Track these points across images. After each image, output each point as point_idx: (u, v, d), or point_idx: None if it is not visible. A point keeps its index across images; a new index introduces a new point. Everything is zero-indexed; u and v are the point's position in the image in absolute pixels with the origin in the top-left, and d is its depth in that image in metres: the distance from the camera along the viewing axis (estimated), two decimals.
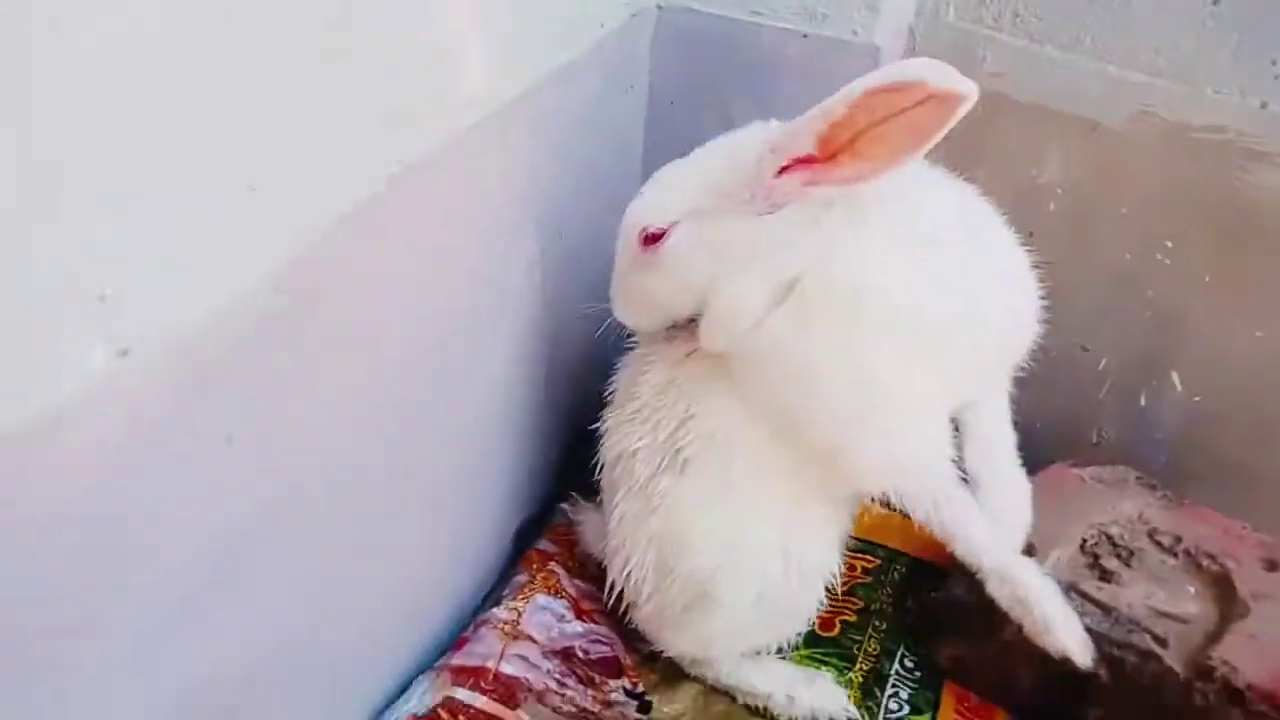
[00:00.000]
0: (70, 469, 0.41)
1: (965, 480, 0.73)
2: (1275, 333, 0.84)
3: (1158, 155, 0.85)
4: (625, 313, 0.75)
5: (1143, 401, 0.94)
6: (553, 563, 0.88)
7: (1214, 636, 0.73)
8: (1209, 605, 0.77)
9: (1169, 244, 0.87)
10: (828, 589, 0.78)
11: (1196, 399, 0.91)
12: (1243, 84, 0.79)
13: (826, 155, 0.62)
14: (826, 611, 0.89)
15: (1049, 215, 0.93)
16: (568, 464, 0.96)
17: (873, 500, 0.75)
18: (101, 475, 0.43)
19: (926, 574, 0.95)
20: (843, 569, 0.78)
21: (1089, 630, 0.73)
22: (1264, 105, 0.79)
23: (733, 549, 0.73)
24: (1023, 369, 0.75)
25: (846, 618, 0.90)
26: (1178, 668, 0.72)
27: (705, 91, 0.92)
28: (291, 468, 0.55)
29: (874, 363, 0.65)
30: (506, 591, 0.84)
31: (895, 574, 0.95)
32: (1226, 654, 0.71)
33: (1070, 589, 0.78)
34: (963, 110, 0.57)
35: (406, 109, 0.57)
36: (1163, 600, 0.77)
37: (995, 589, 0.72)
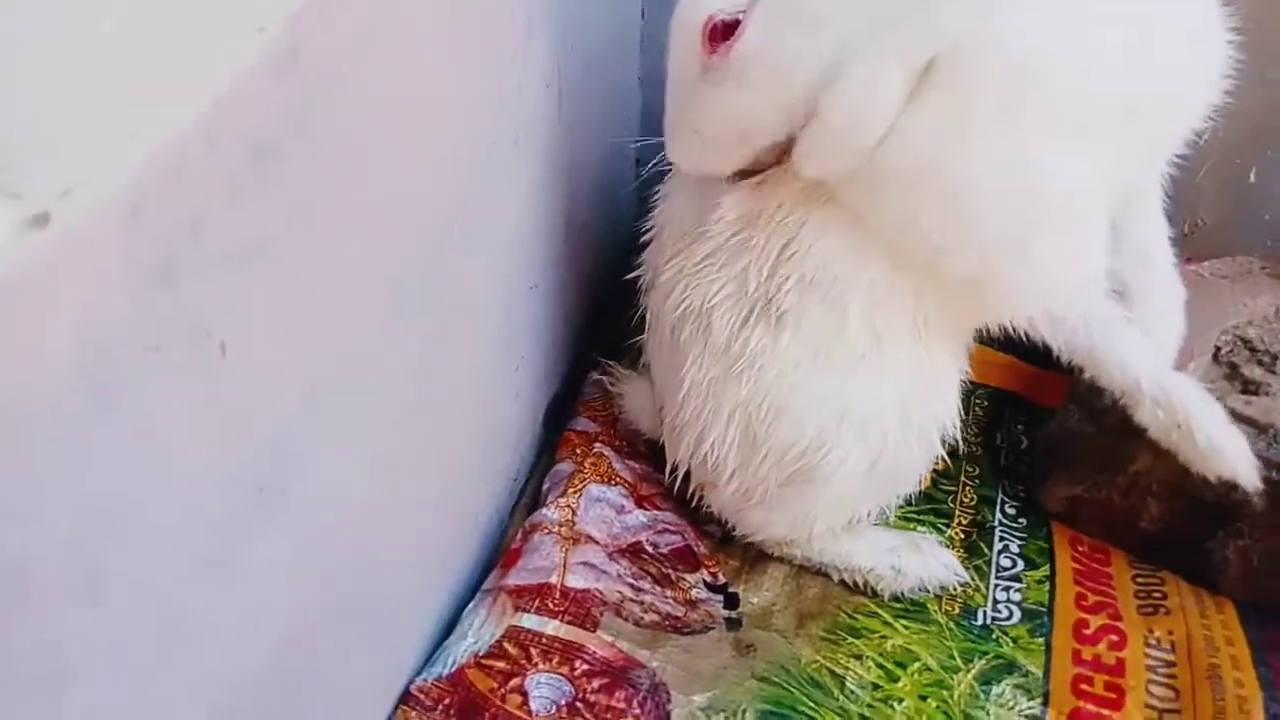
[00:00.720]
0: None
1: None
2: None
3: None
4: (688, 150, 0.57)
5: (1252, 178, 0.81)
6: (599, 444, 0.74)
7: None
8: None
9: None
10: None
11: None
12: None
13: None
14: None
15: None
16: (594, 326, 0.81)
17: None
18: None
19: (1012, 406, 0.84)
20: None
21: None
22: None
23: (843, 414, 0.60)
24: None
25: (934, 466, 0.78)
26: None
27: None
28: (299, 367, 0.40)
29: (1048, 160, 0.50)
30: (551, 485, 0.71)
31: (977, 409, 0.83)
32: None
33: None
34: None
35: None
36: None
37: (1148, 415, 0.60)
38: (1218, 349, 0.71)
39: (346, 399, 0.44)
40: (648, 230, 0.68)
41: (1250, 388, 0.68)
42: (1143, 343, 0.61)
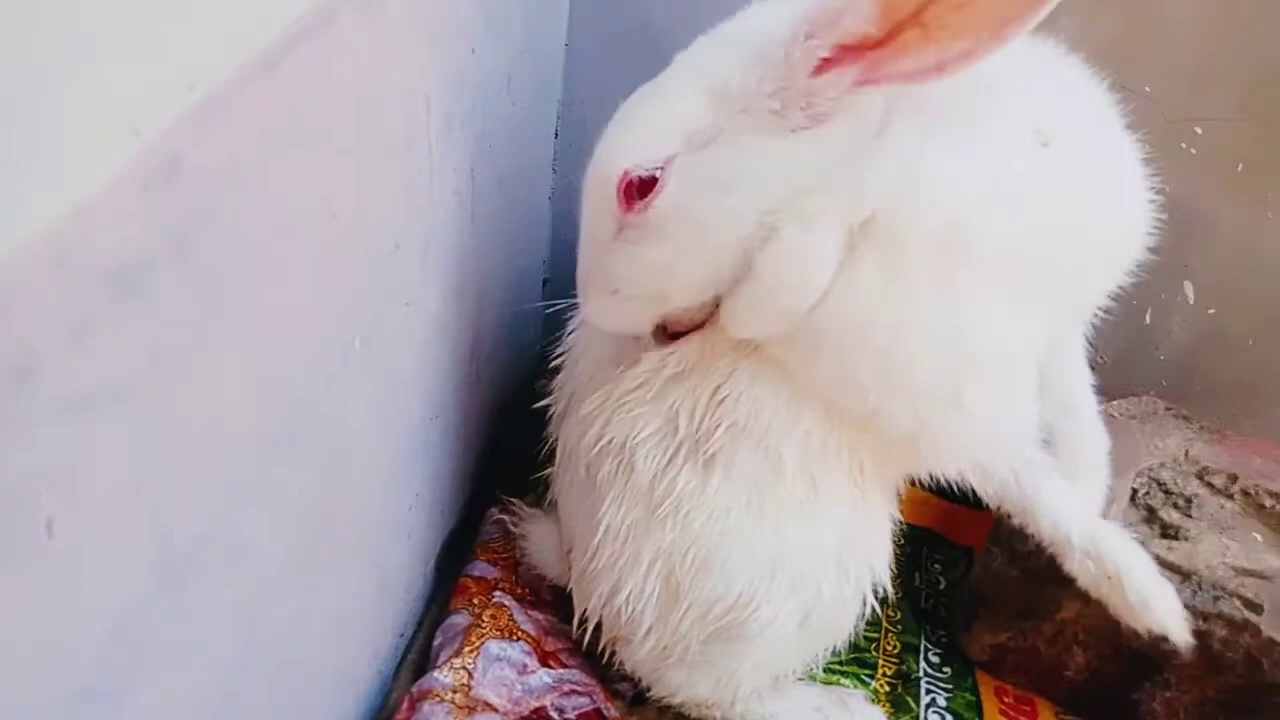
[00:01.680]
0: None
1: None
2: None
3: (1200, 19, 0.71)
4: (604, 309, 0.54)
5: (1148, 319, 0.83)
6: (498, 592, 0.67)
7: None
8: None
9: (1198, 130, 0.75)
10: None
11: (1211, 311, 0.80)
12: None
13: (887, 36, 0.44)
14: None
15: None
16: (495, 457, 0.75)
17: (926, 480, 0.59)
18: None
19: (929, 545, 0.82)
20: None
21: None
22: None
23: (776, 566, 0.55)
24: None
25: None
26: (1279, 637, 0.61)
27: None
28: (154, 538, 0.32)
29: (976, 318, 0.49)
30: (444, 641, 0.63)
31: (895, 548, 0.80)
32: None
33: None
34: None
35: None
36: (1239, 554, 0.66)
37: (1078, 566, 0.58)
38: (1135, 491, 0.70)
39: (212, 566, 0.36)
40: (559, 355, 0.63)
41: (1170, 532, 0.67)
42: (1071, 494, 0.59)
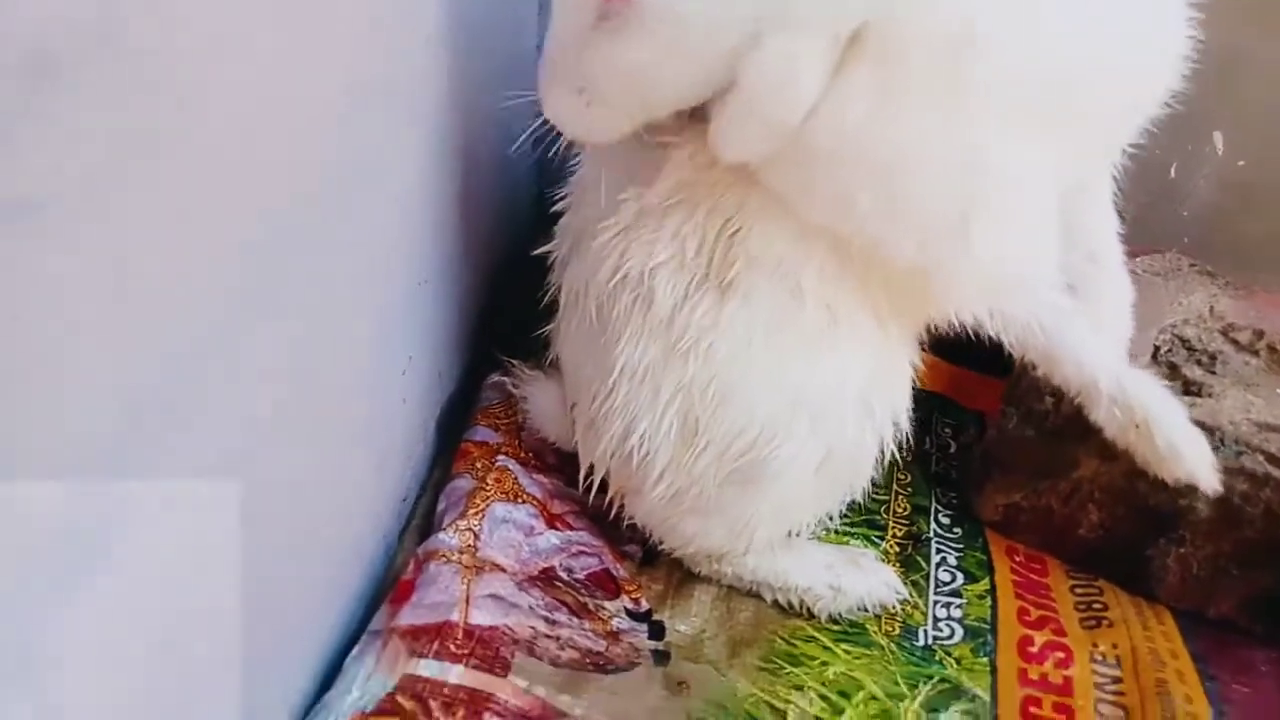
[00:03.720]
0: None
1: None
2: None
3: None
4: (569, 109, 0.49)
5: (1172, 173, 0.79)
6: (502, 456, 0.65)
7: None
8: None
9: None
10: None
11: (1240, 164, 0.77)
12: None
13: None
14: None
15: None
16: (492, 318, 0.72)
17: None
18: None
19: (939, 409, 0.80)
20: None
21: None
22: None
23: (797, 399, 0.54)
24: None
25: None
26: None
27: None
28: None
29: (985, 142, 0.45)
30: (448, 505, 0.61)
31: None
32: None
33: None
34: None
35: None
36: (1263, 410, 0.64)
37: (1105, 414, 0.56)
38: (1156, 348, 0.68)
39: (185, 421, 0.34)
40: (563, 196, 0.59)
41: (1193, 389, 0.65)
42: (1099, 340, 0.57)
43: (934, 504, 0.73)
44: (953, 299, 0.52)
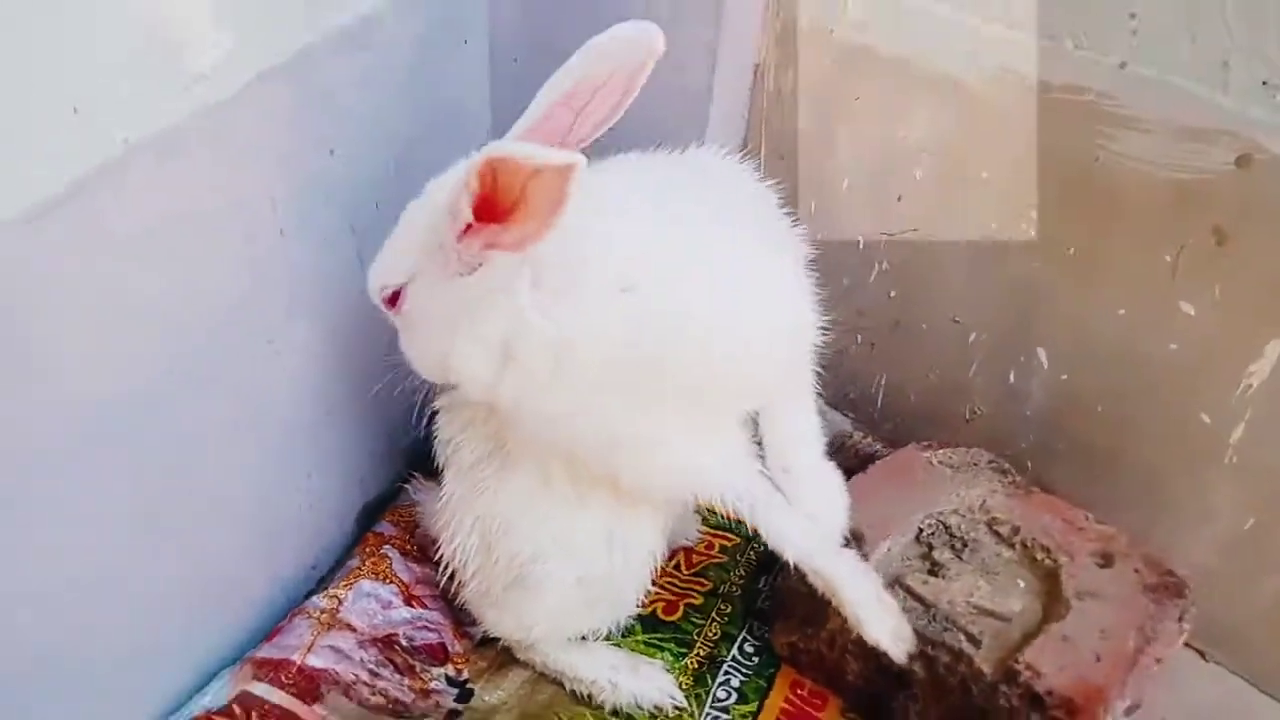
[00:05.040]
0: None
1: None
2: (1137, 313, 0.79)
3: (1020, 118, 0.79)
4: (412, 363, 0.68)
5: (1011, 379, 0.90)
6: (387, 546, 0.86)
7: (1031, 636, 0.71)
8: (1035, 601, 0.74)
9: (1033, 214, 0.82)
10: (675, 570, 0.84)
11: (1063, 377, 0.87)
12: (1101, 40, 0.72)
13: (490, 219, 0.57)
14: (672, 594, 0.89)
15: (917, 181, 0.87)
16: (419, 444, 0.94)
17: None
18: None
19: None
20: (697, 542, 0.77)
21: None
22: (1123, 65, 0.72)
23: (555, 534, 0.72)
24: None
25: (692, 600, 0.88)
26: (987, 669, 0.70)
27: (548, 49, 0.86)
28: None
29: (603, 408, 0.62)
30: (335, 578, 0.83)
31: (752, 554, 0.92)
32: (1034, 657, 0.69)
33: (895, 582, 0.76)
34: (577, 174, 0.52)
35: (114, 88, 0.53)
36: (987, 596, 0.74)
37: (814, 581, 0.70)
38: (920, 530, 0.79)
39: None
40: None
41: (935, 570, 0.77)
42: (796, 522, 0.70)
43: (744, 634, 0.86)
44: (647, 495, 0.70)
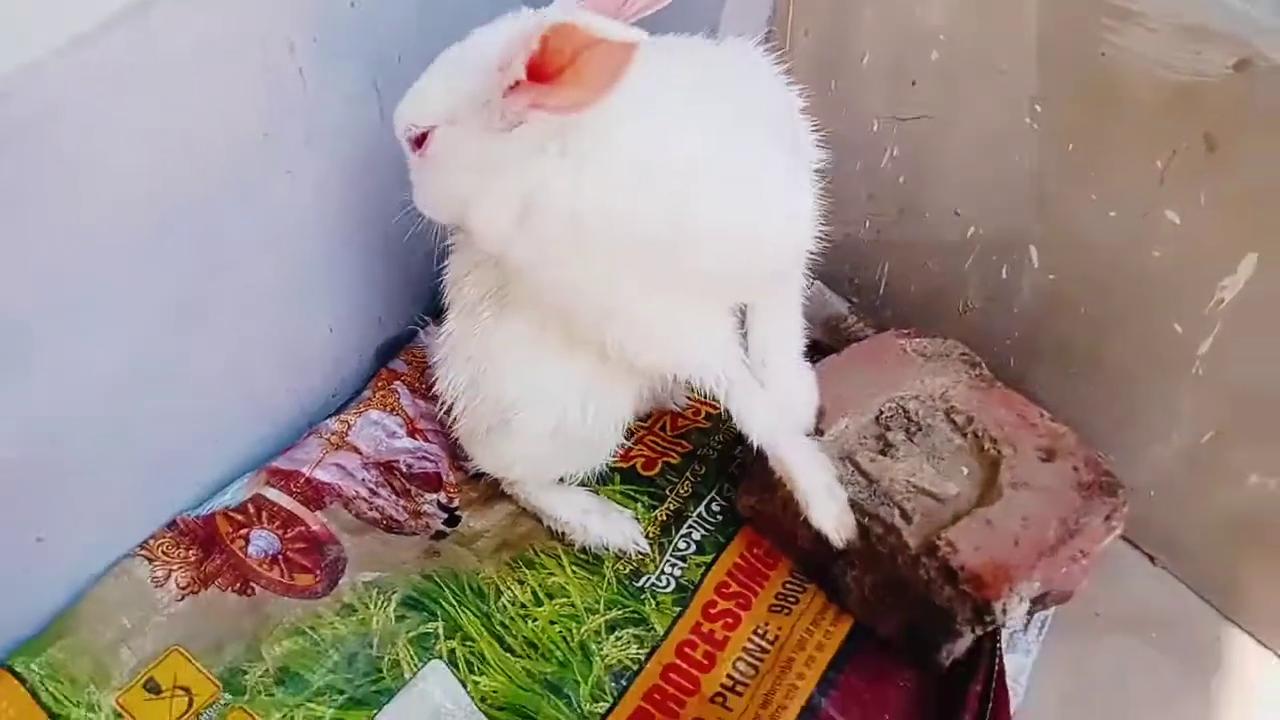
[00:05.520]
0: None
1: None
2: (1126, 216, 0.79)
3: (1032, 5, 0.77)
4: (422, 207, 0.72)
5: (1004, 275, 0.91)
6: (398, 381, 0.95)
7: (960, 517, 0.75)
8: (974, 487, 0.78)
9: (1038, 107, 0.81)
10: (660, 431, 0.93)
11: (1051, 278, 0.87)
12: None
13: (540, 79, 0.59)
14: (653, 452, 0.96)
15: (931, 64, 0.87)
16: (436, 289, 1.01)
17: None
18: None
19: None
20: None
21: (849, 499, 0.77)
22: None
23: (534, 384, 0.78)
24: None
25: (670, 459, 0.95)
26: (912, 542, 0.75)
27: None
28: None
29: (606, 279, 0.67)
30: (348, 406, 0.93)
31: (732, 424, 0.98)
32: (955, 535, 0.73)
33: (846, 458, 0.81)
34: (635, 54, 0.55)
35: None
36: (928, 478, 0.79)
37: (773, 464, 0.77)
38: (880, 411, 0.83)
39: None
40: None
41: (886, 450, 0.81)
42: (762, 406, 0.76)
43: (712, 494, 0.93)
44: (634, 367, 0.74)
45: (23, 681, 0.71)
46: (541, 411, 0.79)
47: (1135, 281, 0.80)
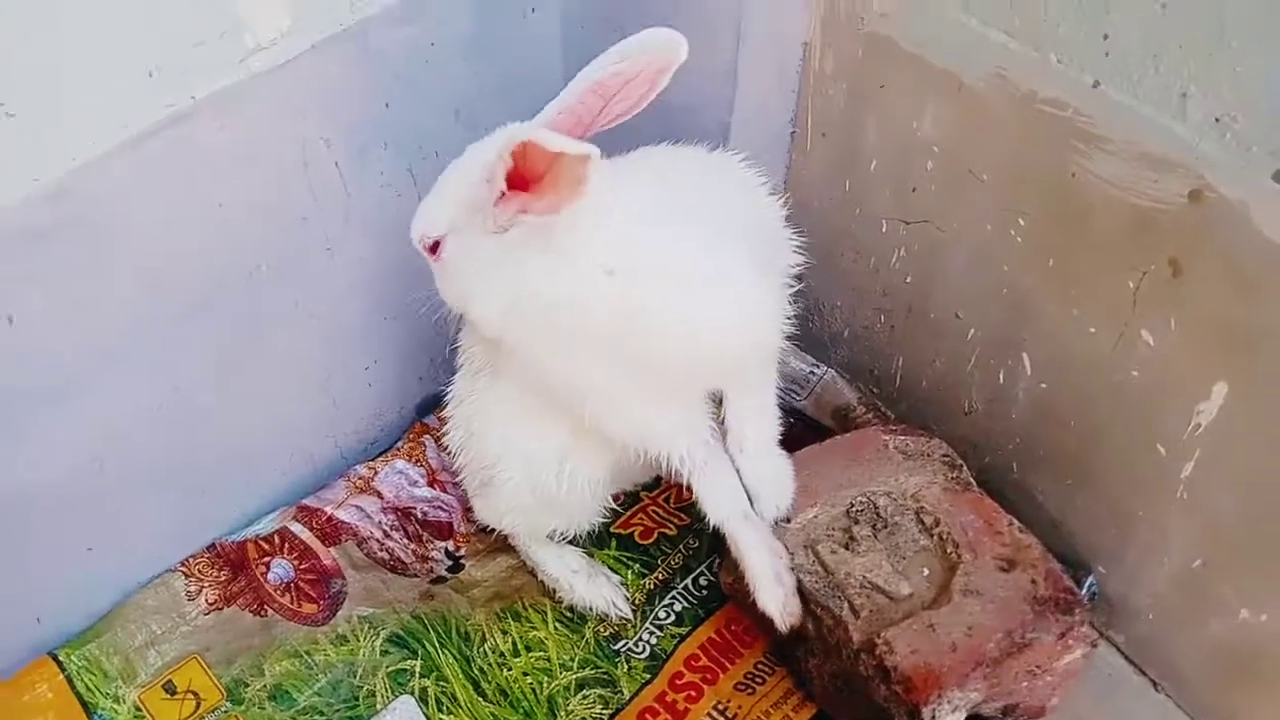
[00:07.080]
0: None
1: None
2: (1105, 334, 0.78)
3: (1010, 124, 0.79)
4: (445, 300, 0.80)
5: (1001, 380, 0.91)
6: (427, 435, 1.05)
7: (907, 618, 0.76)
8: (929, 589, 0.79)
9: (1021, 221, 0.82)
10: (664, 502, 0.99)
11: (1043, 386, 0.87)
12: (1079, 57, 0.72)
13: (522, 187, 0.67)
14: (652, 522, 1.01)
15: (928, 173, 0.90)
16: None
17: None
18: None
19: None
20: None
21: (804, 588, 0.80)
22: (1096, 84, 0.71)
23: (516, 444, 0.85)
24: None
25: (667, 530, 1.00)
26: (856, 637, 0.77)
27: (608, 19, 0.96)
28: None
29: (577, 363, 0.73)
30: (381, 453, 1.03)
31: None
32: (894, 636, 0.75)
33: (809, 547, 0.83)
34: (592, 162, 0.61)
35: (186, 50, 0.70)
36: (884, 575, 0.80)
37: (730, 545, 0.82)
38: (851, 505, 0.85)
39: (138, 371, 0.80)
40: None
41: (848, 544, 0.83)
42: (724, 491, 0.81)
43: (701, 569, 0.97)
44: (611, 441, 0.80)
45: (63, 669, 0.84)
46: (519, 469, 0.86)
47: (1117, 399, 0.79)
